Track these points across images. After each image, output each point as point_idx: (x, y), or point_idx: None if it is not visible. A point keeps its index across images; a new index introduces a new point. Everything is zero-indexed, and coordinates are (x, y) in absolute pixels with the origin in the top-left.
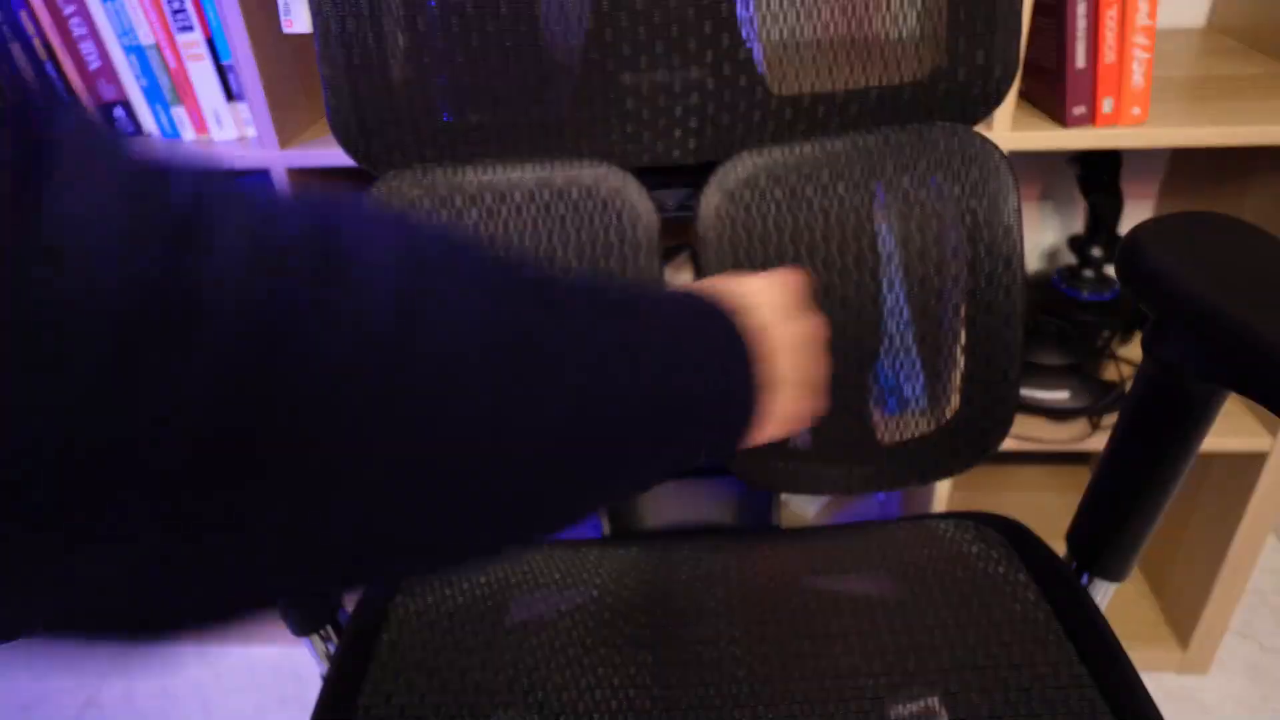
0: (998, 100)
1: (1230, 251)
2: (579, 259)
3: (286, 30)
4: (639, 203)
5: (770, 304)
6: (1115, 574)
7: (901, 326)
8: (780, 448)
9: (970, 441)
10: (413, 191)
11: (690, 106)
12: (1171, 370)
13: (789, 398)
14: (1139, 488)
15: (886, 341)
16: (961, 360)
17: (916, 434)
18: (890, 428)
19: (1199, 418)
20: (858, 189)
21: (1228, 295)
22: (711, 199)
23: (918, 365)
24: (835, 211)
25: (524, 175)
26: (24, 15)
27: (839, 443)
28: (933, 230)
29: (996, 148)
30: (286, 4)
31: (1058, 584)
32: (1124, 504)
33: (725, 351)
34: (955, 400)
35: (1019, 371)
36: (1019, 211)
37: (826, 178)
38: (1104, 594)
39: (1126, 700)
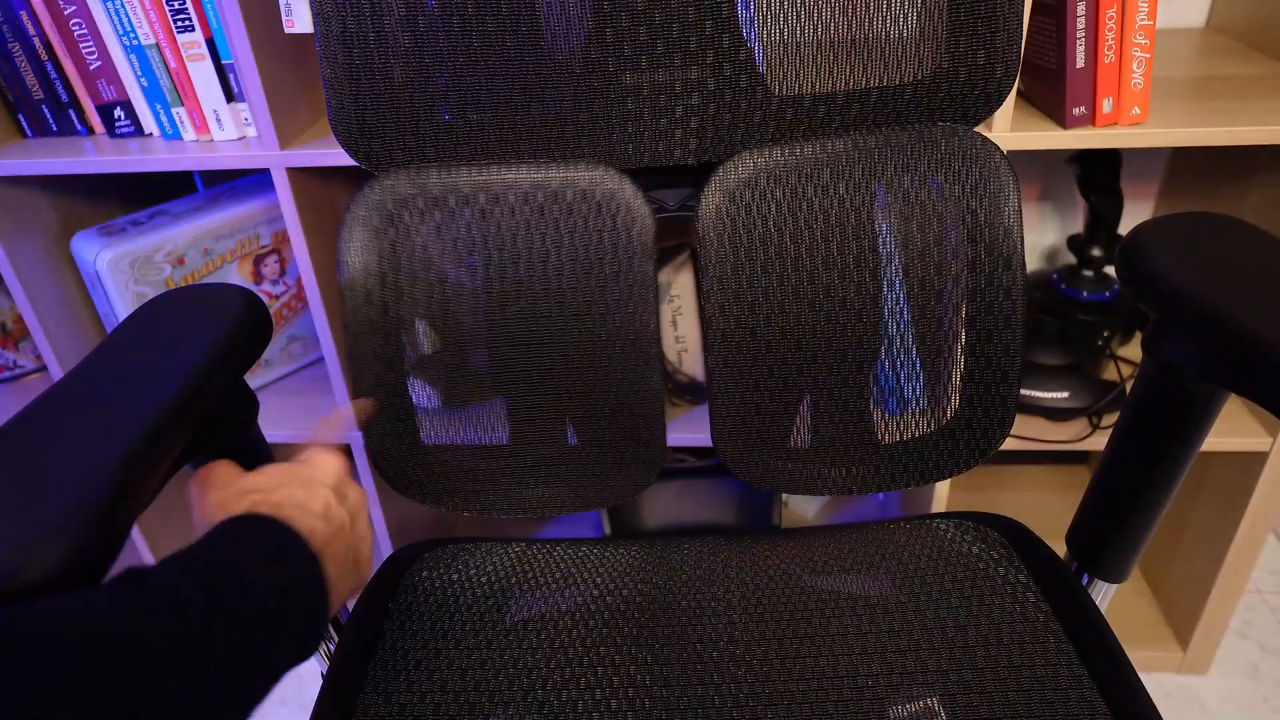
0: (999, 101)
1: (1230, 251)
2: (574, 262)
3: (288, 30)
4: (635, 206)
5: (322, 496)
6: (1115, 574)
7: (902, 327)
8: (781, 447)
9: (970, 442)
10: (407, 191)
11: (691, 107)
12: (1172, 370)
13: (344, 583)
14: (1139, 488)
15: (887, 342)
16: (961, 361)
17: (916, 434)
18: (890, 428)
19: (1199, 418)
20: (858, 189)
21: (1228, 295)
22: (712, 199)
23: (918, 366)
24: (836, 212)
25: (519, 176)
26: (24, 15)
27: (839, 443)
28: (933, 231)
29: (998, 148)
30: (288, 4)
31: (1058, 584)
32: (1124, 504)
33: (310, 577)
34: (955, 401)
35: (1019, 372)
36: (1019, 212)
37: (827, 178)
38: (1104, 594)
39: (1126, 701)
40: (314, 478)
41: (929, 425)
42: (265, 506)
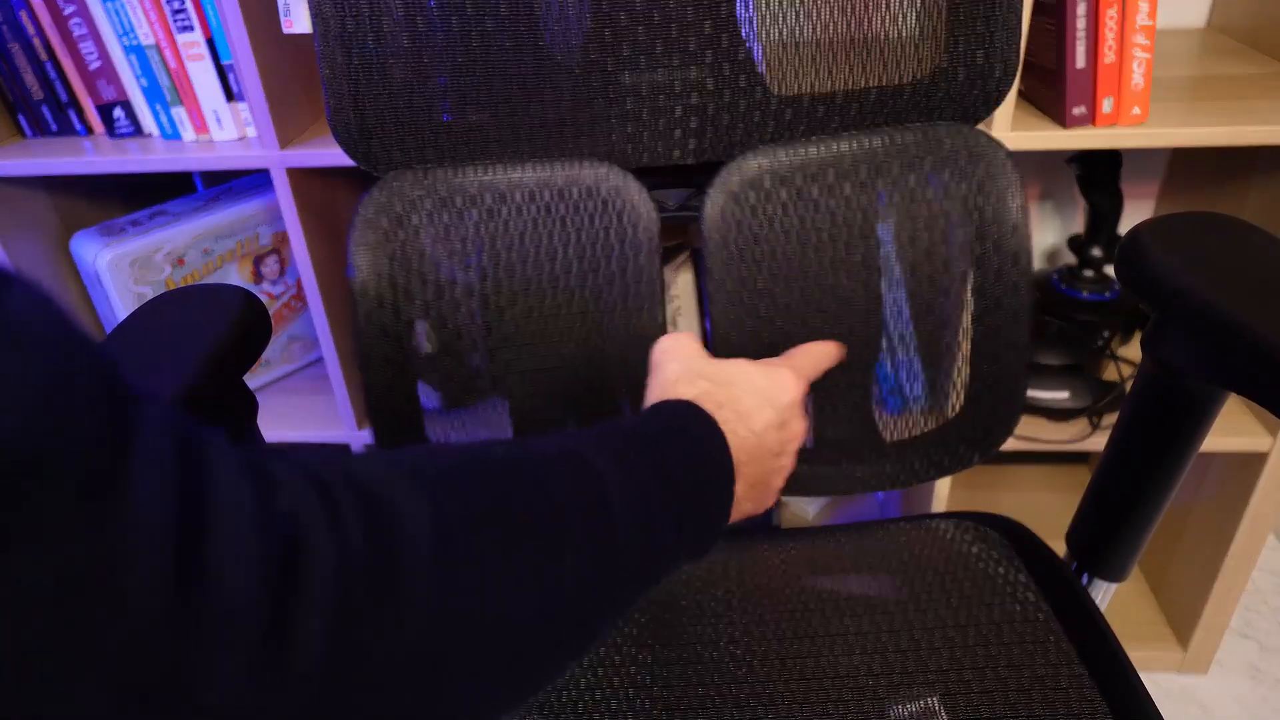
0: (998, 100)
1: (1230, 251)
2: (580, 259)
3: (286, 30)
4: (639, 203)
5: (765, 416)
6: (1115, 574)
7: (908, 326)
8: None
9: (973, 440)
10: (414, 192)
11: (690, 107)
12: (1171, 370)
13: (746, 504)
14: (1139, 487)
15: (894, 341)
16: (969, 358)
17: (920, 433)
18: (893, 427)
19: (1199, 418)
20: (864, 189)
21: (1228, 295)
22: (716, 201)
23: (921, 364)
24: (842, 212)
25: (524, 176)
26: (24, 15)
27: (840, 443)
28: (939, 228)
29: (1001, 145)
30: (286, 4)
31: (1058, 584)
32: (1124, 504)
33: (718, 485)
34: (960, 398)
35: (1026, 368)
36: (1025, 208)
37: (832, 178)
38: (1104, 594)
39: (1126, 699)
40: (769, 393)
41: (934, 424)
42: (709, 400)
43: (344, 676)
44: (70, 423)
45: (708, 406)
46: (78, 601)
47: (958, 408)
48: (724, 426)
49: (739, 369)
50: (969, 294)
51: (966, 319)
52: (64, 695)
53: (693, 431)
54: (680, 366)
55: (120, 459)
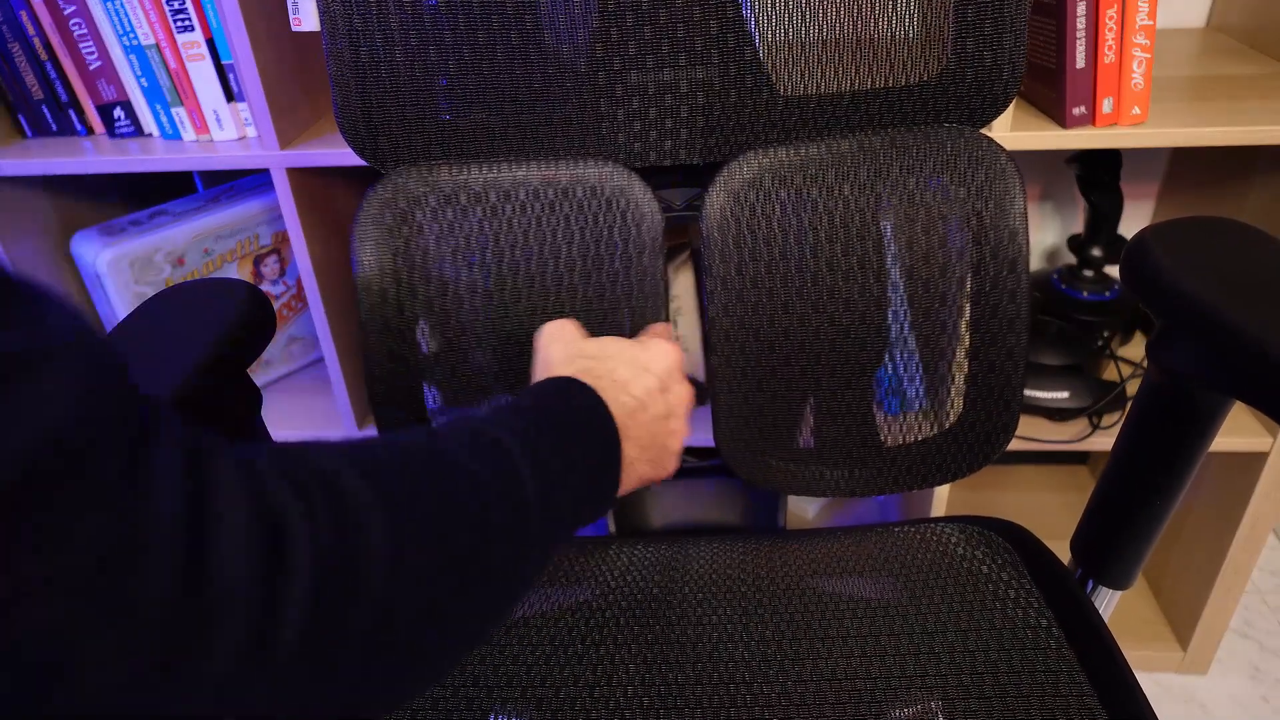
0: (1005, 102)
1: (1237, 258)
2: (584, 258)
3: (295, 28)
4: (643, 202)
5: (644, 382)
6: (1119, 581)
7: (906, 329)
8: (783, 448)
9: (973, 446)
10: (418, 189)
11: (696, 106)
12: (1177, 377)
13: (644, 466)
14: (1144, 495)
15: (891, 344)
16: (966, 363)
17: (920, 437)
18: (893, 430)
19: (1204, 424)
20: (864, 190)
21: (1235, 303)
22: (717, 199)
23: (921, 368)
24: (841, 213)
25: (529, 173)
26: (24, 15)
27: (842, 444)
28: (938, 232)
29: (1004, 150)
30: (295, 2)
31: (1061, 591)
32: (1129, 511)
33: (605, 445)
34: (959, 404)
35: (1023, 376)
36: (1025, 215)
37: (832, 179)
38: (1107, 601)
39: (1125, 707)
40: (645, 364)
41: (933, 428)
42: (588, 375)
43: (317, 652)
44: (103, 425)
45: (587, 380)
46: (107, 575)
47: (956, 413)
48: (604, 395)
49: (614, 344)
50: (966, 299)
51: (964, 324)
52: (86, 661)
53: (577, 402)
54: (561, 349)
55: (140, 459)
